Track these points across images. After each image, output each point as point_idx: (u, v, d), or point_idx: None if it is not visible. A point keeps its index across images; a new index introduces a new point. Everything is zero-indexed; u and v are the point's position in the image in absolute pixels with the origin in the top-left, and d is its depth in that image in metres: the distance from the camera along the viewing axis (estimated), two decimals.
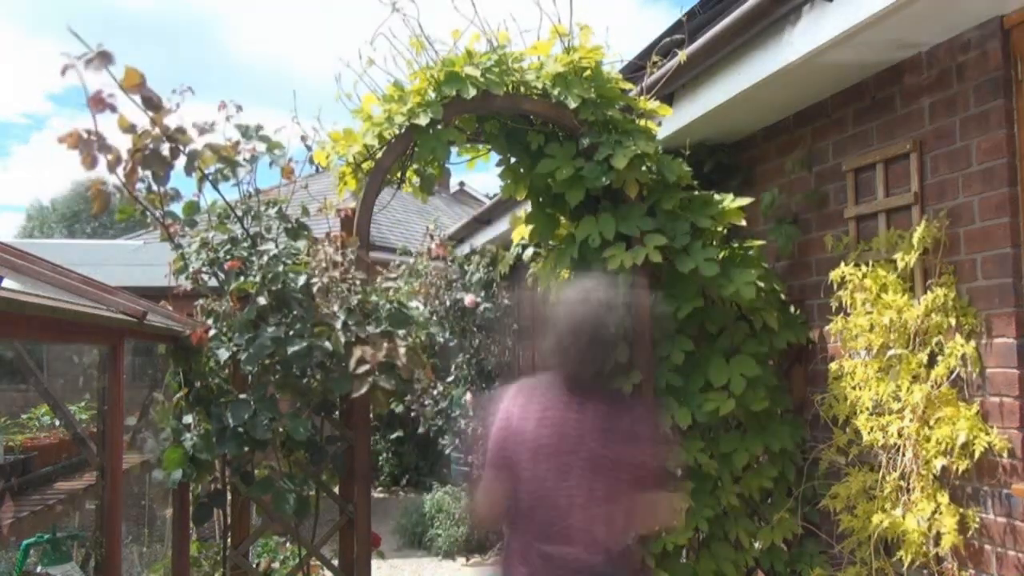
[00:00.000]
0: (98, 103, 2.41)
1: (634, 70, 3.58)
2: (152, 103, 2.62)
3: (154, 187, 2.80)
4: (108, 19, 60.54)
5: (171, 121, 2.69)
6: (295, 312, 2.90)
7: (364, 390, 2.83)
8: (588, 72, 3.27)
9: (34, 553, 3.64)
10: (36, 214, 32.11)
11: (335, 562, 3.25)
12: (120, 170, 2.61)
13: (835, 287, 3.21)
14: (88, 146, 2.47)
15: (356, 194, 3.39)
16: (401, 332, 2.98)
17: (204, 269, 2.97)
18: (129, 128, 2.63)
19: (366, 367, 2.81)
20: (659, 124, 3.54)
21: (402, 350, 2.89)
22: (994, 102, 2.69)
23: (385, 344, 2.87)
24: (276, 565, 4.42)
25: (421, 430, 8.61)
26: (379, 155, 3.27)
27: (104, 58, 2.35)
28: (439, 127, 3.21)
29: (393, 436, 9.69)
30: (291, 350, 2.82)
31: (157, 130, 2.67)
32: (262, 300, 2.88)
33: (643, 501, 2.28)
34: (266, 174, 3.15)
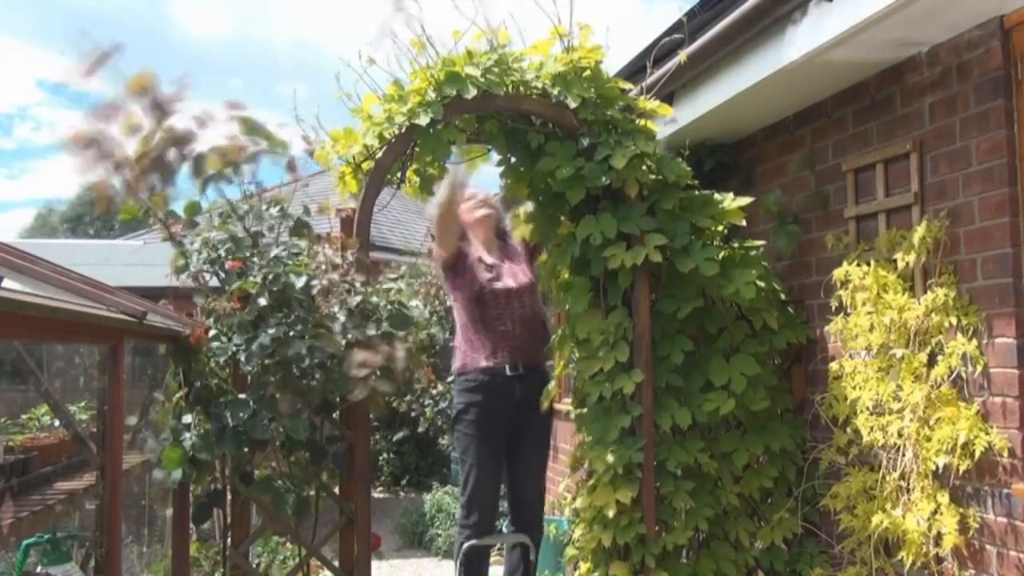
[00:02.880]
0: (103, 112, 2.38)
1: (634, 70, 3.58)
2: (160, 108, 2.59)
3: (158, 188, 2.79)
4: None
5: (173, 120, 2.67)
6: (296, 313, 2.90)
7: (363, 394, 2.83)
8: (588, 72, 3.27)
9: (34, 553, 3.64)
10: (46, 214, 32.35)
11: (335, 562, 3.25)
12: (125, 172, 2.60)
13: (835, 287, 3.21)
14: (91, 152, 2.45)
15: (356, 195, 3.38)
16: (401, 333, 2.98)
17: (205, 268, 2.97)
18: (135, 129, 2.60)
19: (365, 371, 2.81)
20: (662, 124, 3.53)
21: (400, 353, 2.90)
22: (994, 102, 2.68)
23: (383, 348, 2.88)
24: (276, 565, 4.43)
25: (421, 430, 8.61)
26: (379, 155, 3.27)
27: (107, 58, 2.34)
28: (439, 127, 3.20)
29: (395, 438, 9.68)
30: (291, 351, 2.82)
31: (162, 134, 2.65)
32: (262, 301, 2.88)
33: None
34: (267, 172, 3.15)
